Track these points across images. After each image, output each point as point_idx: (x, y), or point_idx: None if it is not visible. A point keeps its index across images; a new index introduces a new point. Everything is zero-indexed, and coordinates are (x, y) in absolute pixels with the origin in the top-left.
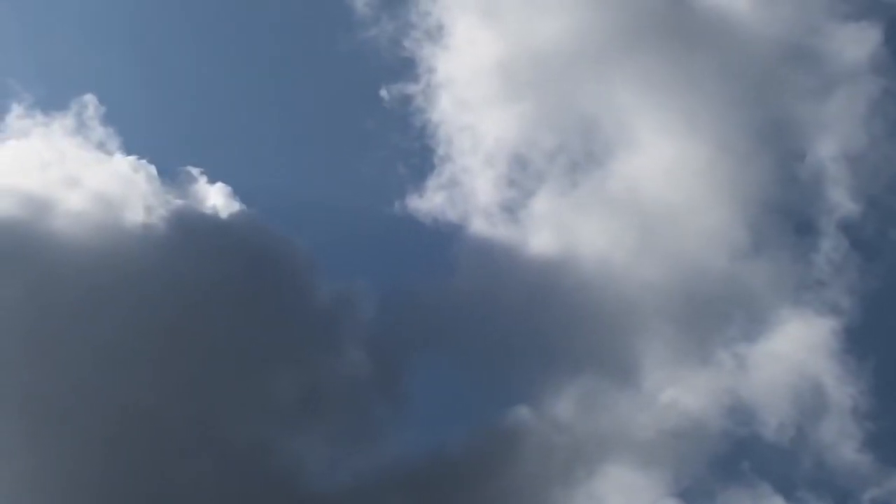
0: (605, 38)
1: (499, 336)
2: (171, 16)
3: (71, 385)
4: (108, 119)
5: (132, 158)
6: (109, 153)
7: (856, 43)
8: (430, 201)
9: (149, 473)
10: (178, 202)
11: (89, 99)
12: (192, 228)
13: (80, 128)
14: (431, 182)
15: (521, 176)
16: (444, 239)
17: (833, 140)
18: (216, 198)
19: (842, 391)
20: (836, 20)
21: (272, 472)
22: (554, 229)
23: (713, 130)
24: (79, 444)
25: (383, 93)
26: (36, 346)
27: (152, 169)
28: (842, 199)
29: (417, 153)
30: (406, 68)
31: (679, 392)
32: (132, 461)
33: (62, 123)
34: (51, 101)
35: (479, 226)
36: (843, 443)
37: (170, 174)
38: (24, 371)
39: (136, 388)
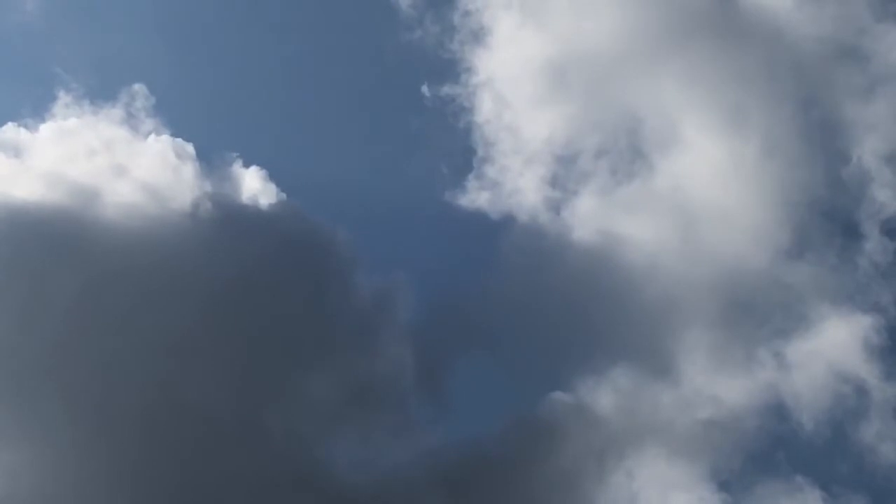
0: (650, 37)
1: (538, 333)
2: (221, 11)
3: (115, 369)
4: (156, 109)
5: (178, 148)
6: (156, 142)
7: None
8: (472, 200)
9: (193, 461)
10: (222, 192)
11: (139, 88)
12: (235, 218)
13: (128, 117)
14: (473, 181)
15: (565, 175)
16: (485, 237)
17: (879, 141)
18: (258, 186)
19: (883, 391)
20: (882, 20)
21: (311, 463)
22: (597, 228)
23: (758, 130)
24: (121, 428)
25: (426, 92)
26: (83, 331)
27: (197, 160)
28: (887, 201)
29: (460, 152)
30: (449, 69)
31: (718, 387)
32: (176, 448)
33: (109, 113)
34: (100, 91)
35: (522, 224)
36: (883, 442)
37: (214, 163)
38: (72, 355)
39: (178, 376)
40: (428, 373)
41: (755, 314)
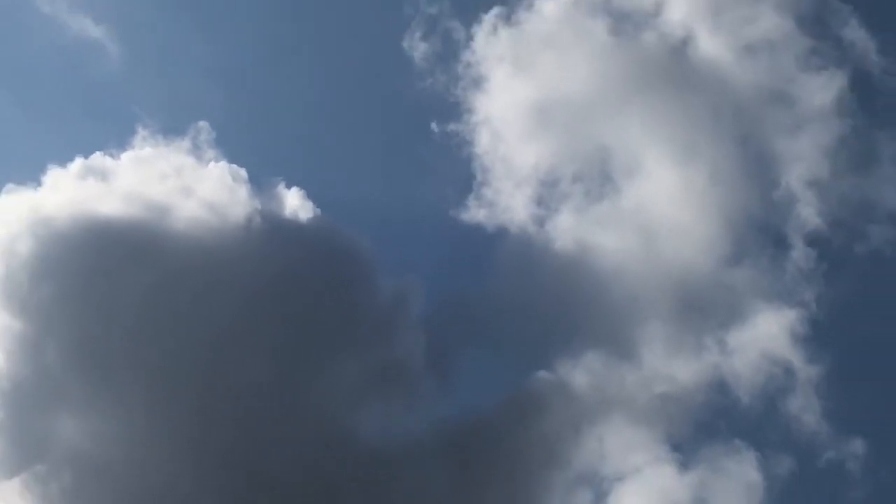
0: (617, 85)
1: (527, 324)
2: (268, 64)
3: (181, 352)
4: (216, 141)
5: (234, 172)
6: (215, 168)
7: (824, 89)
8: (472, 216)
9: (244, 428)
10: (269, 209)
11: (203, 125)
12: (279, 230)
13: (194, 148)
14: (473, 201)
15: (548, 196)
16: (483, 246)
17: (803, 169)
18: (297, 203)
19: (806, 371)
20: (805, 71)
21: (341, 430)
22: (574, 239)
23: (706, 161)
24: (185, 400)
25: (435, 128)
26: (155, 321)
27: (248, 182)
28: (809, 217)
29: (463, 178)
30: (454, 110)
31: (672, 368)
32: (230, 416)
33: (179, 144)
34: (171, 127)
35: (513, 236)
36: (805, 413)
37: (262, 185)
38: (146, 341)
39: (232, 358)
40: (436, 357)
41: (702, 309)
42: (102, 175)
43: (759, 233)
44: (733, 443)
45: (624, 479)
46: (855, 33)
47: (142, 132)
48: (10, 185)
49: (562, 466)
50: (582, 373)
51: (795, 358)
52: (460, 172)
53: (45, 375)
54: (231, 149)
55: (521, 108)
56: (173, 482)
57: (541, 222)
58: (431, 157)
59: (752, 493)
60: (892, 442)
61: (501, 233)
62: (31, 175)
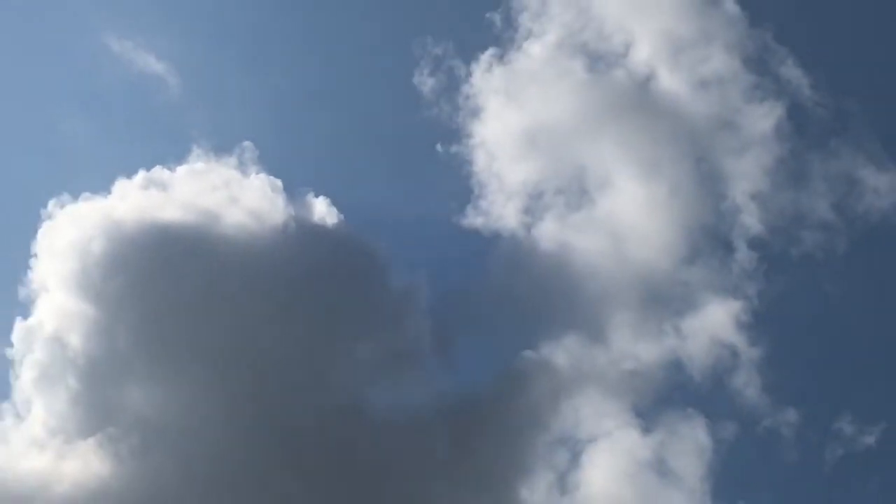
0: (593, 113)
1: (516, 312)
2: (302, 94)
3: (227, 336)
4: (259, 159)
5: (272, 184)
6: (257, 180)
7: (764, 117)
8: (471, 223)
9: (275, 402)
10: (301, 215)
11: (247, 144)
12: (309, 233)
13: (239, 164)
14: (472, 210)
15: (535, 207)
16: (481, 248)
17: (747, 185)
18: (324, 210)
19: (749, 353)
20: (751, 101)
21: (356, 404)
22: (557, 243)
23: (666, 178)
24: (230, 373)
25: (440, 149)
26: (207, 310)
27: (284, 192)
28: (752, 225)
29: (463, 191)
30: (456, 134)
31: (637, 349)
32: (264, 391)
33: (227, 160)
34: (221, 146)
35: (506, 240)
36: (747, 388)
37: (295, 195)
38: (199, 326)
39: (268, 341)
40: (439, 340)
41: (662, 300)
42: (162, 186)
43: (710, 237)
44: (687, 411)
45: (595, 441)
46: (791, 71)
47: (196, 150)
48: (85, 194)
49: (543, 430)
50: (561, 352)
51: (739, 342)
52: (461, 186)
53: (115, 354)
54: (270, 164)
55: (511, 133)
56: (221, 441)
57: (528, 228)
58: (437, 173)
59: (702, 453)
60: (819, 412)
61: (495, 237)
62: (102, 185)
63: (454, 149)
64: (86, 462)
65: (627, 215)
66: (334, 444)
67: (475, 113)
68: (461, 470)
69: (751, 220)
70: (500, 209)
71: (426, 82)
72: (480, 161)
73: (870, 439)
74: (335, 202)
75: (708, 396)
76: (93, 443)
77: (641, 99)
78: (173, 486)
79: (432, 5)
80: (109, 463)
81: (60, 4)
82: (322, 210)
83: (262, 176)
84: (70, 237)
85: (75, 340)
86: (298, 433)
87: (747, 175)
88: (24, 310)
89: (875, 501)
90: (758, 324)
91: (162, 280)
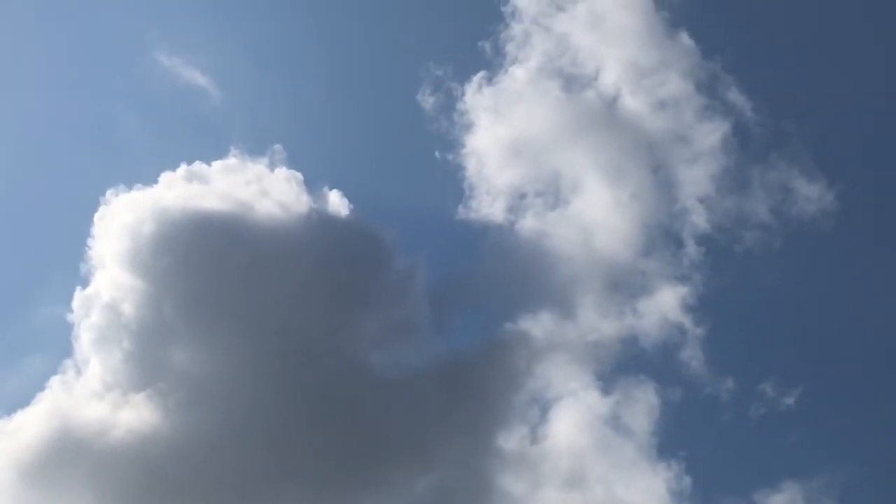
0: (568, 126)
1: (501, 291)
2: (325, 107)
3: (260, 313)
4: (287, 159)
5: (295, 178)
6: (282, 174)
7: (713, 133)
8: (465, 217)
9: (295, 364)
10: (319, 206)
11: (278, 147)
12: (326, 221)
13: (270, 164)
14: (465, 207)
15: (518, 205)
16: (473, 238)
17: (696, 190)
18: (338, 201)
19: (694, 330)
20: (702, 120)
21: (365, 365)
22: (537, 234)
23: (629, 183)
24: (263, 343)
25: (438, 157)
26: (242, 291)
27: (304, 185)
28: (700, 224)
29: (459, 192)
30: (451, 144)
31: (601, 324)
32: (292, 355)
33: (260, 160)
34: (254, 148)
35: (494, 231)
36: (692, 360)
37: (314, 188)
38: (237, 304)
39: (291, 315)
40: (436, 314)
41: (622, 285)
42: (202, 179)
43: (664, 234)
44: (640, 377)
45: (562, 400)
46: (736, 96)
47: (233, 151)
48: (137, 185)
49: (519, 390)
50: (537, 326)
51: (686, 322)
52: (456, 187)
53: (163, 320)
54: (295, 161)
55: (498, 143)
56: (252, 396)
57: (512, 223)
58: (436, 175)
59: (651, 413)
60: (753, 381)
61: (484, 229)
62: (150, 177)
63: (450, 156)
64: (138, 412)
65: (595, 214)
66: (346, 399)
67: (468, 126)
68: (451, 421)
69: (699, 220)
70: (488, 207)
71: (428, 100)
72: (472, 166)
73: (789, 400)
74: (348, 195)
75: (658, 366)
76: (144, 396)
77: (608, 116)
78: (213, 432)
79: (434, 36)
80: (158, 413)
81: (122, 27)
82: (337, 202)
83: (287, 171)
84: (124, 221)
85: (128, 309)
86: (316, 389)
87: (697, 182)
88: (84, 281)
89: (792, 452)
90: (702, 307)
91: (202, 259)
